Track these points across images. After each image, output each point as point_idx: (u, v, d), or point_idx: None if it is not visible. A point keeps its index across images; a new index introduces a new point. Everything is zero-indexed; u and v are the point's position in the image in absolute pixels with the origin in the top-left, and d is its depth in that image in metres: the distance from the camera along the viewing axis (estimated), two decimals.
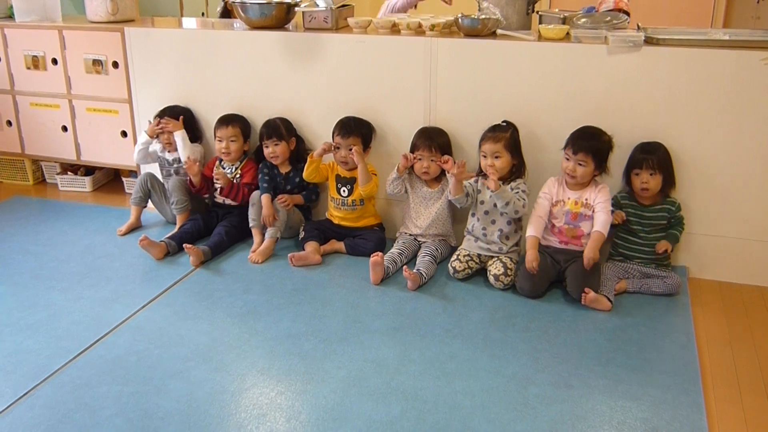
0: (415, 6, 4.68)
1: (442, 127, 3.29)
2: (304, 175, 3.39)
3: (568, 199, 3.00)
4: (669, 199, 3.02)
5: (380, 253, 3.06)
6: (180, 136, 3.54)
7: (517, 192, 3.03)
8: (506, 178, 3.08)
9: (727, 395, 2.36)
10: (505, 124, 3.10)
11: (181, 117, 3.59)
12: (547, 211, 3.02)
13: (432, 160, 3.19)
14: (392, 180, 3.27)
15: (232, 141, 3.51)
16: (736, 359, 2.57)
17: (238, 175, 3.56)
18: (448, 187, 3.12)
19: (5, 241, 3.53)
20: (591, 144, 2.93)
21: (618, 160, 3.08)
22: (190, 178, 3.52)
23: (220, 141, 3.52)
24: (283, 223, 3.37)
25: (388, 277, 3.09)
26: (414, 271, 3.02)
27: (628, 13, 3.53)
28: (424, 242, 3.29)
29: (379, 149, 3.45)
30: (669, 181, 3.00)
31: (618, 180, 3.10)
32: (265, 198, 3.37)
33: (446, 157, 3.09)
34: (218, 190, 3.49)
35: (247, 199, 3.53)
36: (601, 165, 2.97)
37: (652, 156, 2.95)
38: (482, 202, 3.08)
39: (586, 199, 2.98)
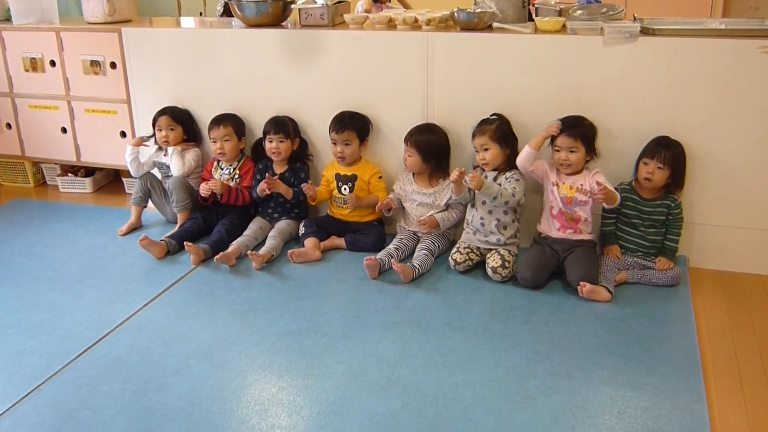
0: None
1: (439, 122, 3.29)
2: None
3: (563, 183, 3.00)
4: (671, 195, 3.01)
5: (372, 257, 3.06)
6: (171, 150, 3.58)
7: (509, 181, 3.04)
8: (501, 169, 3.09)
9: (727, 384, 2.36)
10: (493, 116, 3.12)
11: (186, 144, 3.64)
12: (540, 163, 3.05)
13: (408, 155, 3.23)
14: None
15: (225, 140, 3.51)
16: (736, 348, 2.57)
17: (236, 176, 3.56)
18: (446, 191, 3.17)
19: (7, 243, 3.54)
20: (577, 130, 2.96)
21: (618, 150, 3.09)
22: (200, 194, 3.51)
23: (214, 142, 3.53)
24: (281, 241, 3.38)
25: (385, 271, 3.10)
26: (407, 264, 3.03)
27: None
28: (423, 236, 3.29)
29: (377, 144, 3.46)
30: (676, 180, 2.98)
31: (623, 167, 3.10)
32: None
33: (456, 171, 2.98)
34: (220, 196, 3.50)
35: (249, 202, 3.54)
36: (590, 149, 2.99)
37: (666, 150, 2.93)
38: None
39: (582, 185, 2.98)
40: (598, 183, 2.90)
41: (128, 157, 3.65)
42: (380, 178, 3.42)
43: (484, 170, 3.14)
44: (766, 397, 2.29)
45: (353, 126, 3.34)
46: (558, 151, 2.99)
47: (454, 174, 2.99)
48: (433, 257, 3.17)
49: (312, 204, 3.45)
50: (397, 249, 3.20)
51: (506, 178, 3.07)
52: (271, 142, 3.45)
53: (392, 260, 3.04)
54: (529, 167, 3.04)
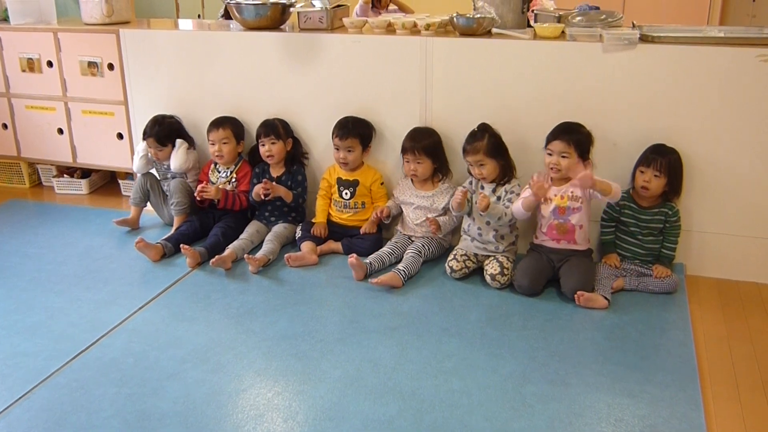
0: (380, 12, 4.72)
1: (438, 127, 3.29)
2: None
3: (554, 195, 2.98)
4: (668, 203, 3.01)
5: (354, 255, 3.06)
6: (178, 144, 3.58)
7: (510, 197, 3.03)
8: (497, 181, 3.09)
9: (724, 392, 2.36)
10: (478, 129, 3.08)
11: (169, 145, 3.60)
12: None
13: (418, 163, 3.20)
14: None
15: (224, 143, 3.50)
16: (733, 356, 2.57)
17: (233, 179, 3.55)
18: (444, 195, 3.17)
19: (2, 244, 3.52)
20: (571, 136, 2.95)
21: (616, 157, 3.09)
22: (197, 198, 3.50)
23: (212, 144, 3.52)
24: (278, 246, 3.36)
25: (372, 274, 3.08)
26: (392, 271, 3.03)
27: None
28: (416, 239, 3.28)
29: (375, 149, 3.45)
30: (674, 187, 2.97)
31: (621, 174, 3.09)
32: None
33: (460, 192, 3.01)
34: (216, 202, 3.49)
35: (245, 206, 3.53)
36: (583, 156, 2.96)
37: (662, 158, 2.93)
38: (476, 203, 3.07)
39: (572, 192, 2.97)
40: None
41: (140, 152, 3.64)
42: (382, 184, 3.42)
43: (479, 181, 3.13)
44: (763, 404, 2.29)
45: (357, 133, 3.33)
46: (550, 154, 2.98)
47: (458, 195, 2.98)
48: (421, 258, 3.15)
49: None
50: (390, 254, 3.19)
51: (506, 191, 3.06)
52: (263, 145, 3.45)
53: (372, 280, 3.00)
54: (529, 213, 3.00)
